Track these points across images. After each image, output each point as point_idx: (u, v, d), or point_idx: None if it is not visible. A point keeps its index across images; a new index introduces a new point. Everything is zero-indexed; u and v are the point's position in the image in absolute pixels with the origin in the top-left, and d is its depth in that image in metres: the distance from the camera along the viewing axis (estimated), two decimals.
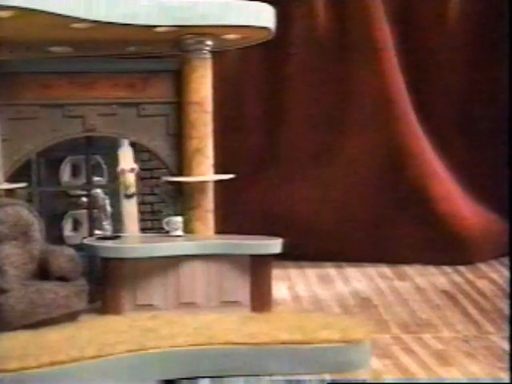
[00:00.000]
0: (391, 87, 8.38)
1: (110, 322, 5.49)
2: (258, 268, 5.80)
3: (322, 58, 8.53)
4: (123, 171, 6.07)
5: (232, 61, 8.47)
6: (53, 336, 5.09)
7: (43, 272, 5.52)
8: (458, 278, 7.60)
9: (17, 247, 5.54)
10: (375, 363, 5.30)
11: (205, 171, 6.15)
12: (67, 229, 6.77)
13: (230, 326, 5.35)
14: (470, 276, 7.68)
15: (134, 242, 5.93)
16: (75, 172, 6.75)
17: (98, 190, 6.73)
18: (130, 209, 6.07)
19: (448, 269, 7.91)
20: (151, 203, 7.05)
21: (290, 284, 7.47)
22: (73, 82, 6.04)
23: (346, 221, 8.31)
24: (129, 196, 6.04)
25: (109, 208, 6.74)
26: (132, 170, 6.07)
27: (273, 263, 5.90)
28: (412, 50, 8.57)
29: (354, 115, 8.45)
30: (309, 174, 8.51)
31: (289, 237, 5.91)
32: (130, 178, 6.04)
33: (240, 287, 5.79)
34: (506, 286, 7.24)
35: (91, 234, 6.44)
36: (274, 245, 5.84)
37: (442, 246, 8.15)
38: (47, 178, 6.55)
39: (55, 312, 5.34)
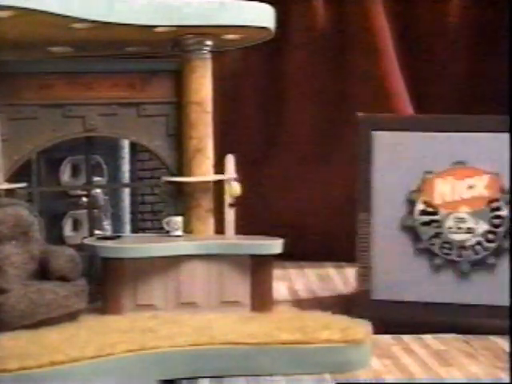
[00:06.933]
0: (391, 86, 8.38)
1: (109, 321, 5.48)
2: (258, 268, 5.79)
3: (321, 58, 8.52)
4: (229, 180, 6.04)
5: (232, 61, 8.46)
6: (53, 336, 5.09)
7: (43, 272, 5.51)
8: None
9: (17, 247, 5.54)
10: (375, 363, 5.30)
11: (205, 171, 6.14)
12: (67, 229, 6.77)
13: (230, 326, 5.35)
14: None
15: (134, 242, 5.93)
16: (75, 172, 6.76)
17: (98, 190, 6.74)
18: (231, 218, 6.07)
19: None
20: (151, 203, 7.06)
21: (290, 284, 7.47)
22: (73, 82, 6.04)
23: (346, 220, 8.29)
24: (231, 205, 6.01)
25: (109, 208, 6.75)
26: (235, 179, 6.06)
27: (273, 263, 5.89)
28: (412, 49, 8.56)
29: (354, 115, 8.43)
30: (309, 173, 8.50)
31: (289, 237, 5.90)
32: (236, 187, 6.03)
33: (240, 287, 5.79)
34: None
35: (91, 234, 6.43)
36: (275, 245, 5.83)
37: None
38: (47, 178, 6.55)
39: (55, 312, 5.34)
